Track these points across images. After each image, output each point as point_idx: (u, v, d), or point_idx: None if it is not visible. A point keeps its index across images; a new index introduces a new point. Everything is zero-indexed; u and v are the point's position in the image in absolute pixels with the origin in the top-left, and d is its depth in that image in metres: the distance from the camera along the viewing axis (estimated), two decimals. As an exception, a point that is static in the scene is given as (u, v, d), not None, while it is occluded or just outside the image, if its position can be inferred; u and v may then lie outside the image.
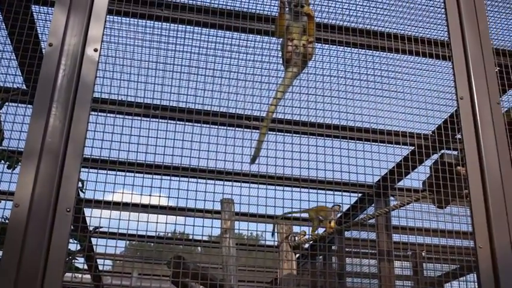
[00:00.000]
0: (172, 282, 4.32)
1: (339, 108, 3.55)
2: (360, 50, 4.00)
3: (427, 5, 3.92)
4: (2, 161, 3.97)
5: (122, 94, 3.50)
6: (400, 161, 4.09)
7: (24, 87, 4.05)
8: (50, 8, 3.92)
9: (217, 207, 4.74)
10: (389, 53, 3.93)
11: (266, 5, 4.14)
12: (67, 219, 1.78)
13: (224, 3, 3.93)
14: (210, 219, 4.67)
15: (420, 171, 3.89)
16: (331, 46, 3.89)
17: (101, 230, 4.39)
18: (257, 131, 4.03)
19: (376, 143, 3.61)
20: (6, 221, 3.77)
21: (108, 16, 2.55)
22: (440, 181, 3.38)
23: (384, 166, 4.06)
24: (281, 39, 4.06)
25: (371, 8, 3.90)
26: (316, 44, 4.03)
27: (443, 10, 3.44)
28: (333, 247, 6.32)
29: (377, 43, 3.92)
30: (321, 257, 6.58)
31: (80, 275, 4.65)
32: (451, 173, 3.46)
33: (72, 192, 1.81)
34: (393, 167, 4.28)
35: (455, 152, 4.02)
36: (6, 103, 3.94)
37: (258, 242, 4.81)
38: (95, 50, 2.19)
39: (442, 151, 3.98)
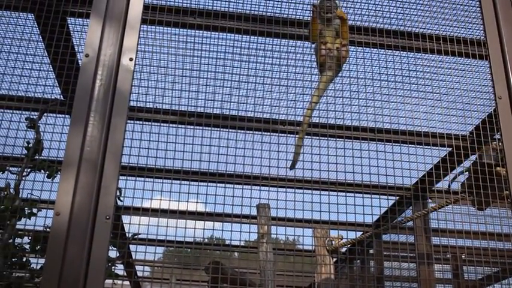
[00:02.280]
0: (210, 288, 4.35)
1: (375, 110, 3.52)
2: (395, 51, 3.96)
3: (462, 4, 3.87)
4: (42, 171, 4.05)
5: (158, 102, 3.54)
6: (438, 162, 4.04)
7: (62, 98, 4.13)
8: (85, 20, 4.00)
9: (254, 212, 4.76)
10: (424, 54, 3.88)
11: (298, 9, 4.13)
12: (106, 226, 1.80)
13: (256, 9, 3.94)
14: (247, 225, 4.68)
15: (458, 173, 3.82)
16: (365, 48, 3.87)
17: (139, 236, 4.44)
18: (292, 135, 4.02)
19: (413, 145, 3.57)
20: (48, 230, 3.85)
21: (142, 26, 2.58)
22: (479, 182, 3.32)
23: (421, 168, 4.02)
24: (315, 43, 4.04)
25: (405, 9, 3.86)
26: (350, 46, 4.01)
27: (478, 9, 3.39)
28: (371, 251, 6.26)
29: (412, 44, 3.88)
30: (358, 261, 6.53)
31: (119, 282, 4.71)
32: (491, 174, 3.39)
33: (111, 200, 1.84)
34: (431, 169, 4.23)
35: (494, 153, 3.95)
36: (45, 114, 4.02)
37: (295, 247, 4.79)
38: (130, 60, 2.22)
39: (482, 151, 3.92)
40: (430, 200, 5.03)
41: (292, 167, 3.89)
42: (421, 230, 5.26)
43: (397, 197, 5.25)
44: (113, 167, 1.89)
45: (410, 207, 5.33)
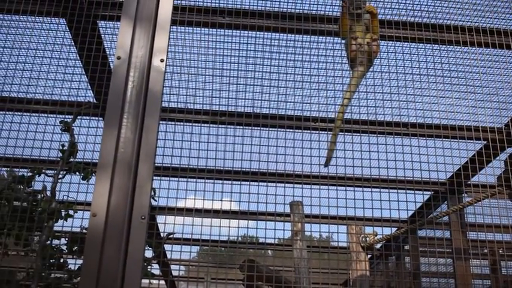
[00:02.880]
0: (245, 286, 4.36)
1: (408, 105, 3.48)
2: (427, 44, 3.91)
3: (494, -5, 3.80)
4: (78, 173, 4.11)
5: (189, 102, 3.56)
6: (473, 155, 3.98)
7: (95, 101, 4.18)
8: (116, 23, 4.04)
9: (287, 210, 4.75)
10: (457, 46, 3.82)
11: (327, 5, 4.11)
12: (142, 226, 1.82)
13: (285, 6, 3.93)
14: (281, 222, 4.68)
15: (494, 166, 3.76)
16: (396, 42, 3.83)
17: (174, 236, 4.48)
18: (324, 132, 4.00)
19: (448, 139, 3.52)
20: (85, 231, 3.90)
21: (172, 26, 2.60)
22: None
23: (456, 162, 3.96)
24: (345, 39, 4.01)
25: (436, 1, 3.81)
26: (381, 41, 3.97)
27: (512, -1, 3.32)
28: (406, 247, 6.20)
29: (444, 37, 3.82)
30: (393, 257, 6.47)
31: (156, 281, 4.77)
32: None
33: (146, 200, 1.85)
34: (466, 163, 4.16)
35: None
36: (79, 117, 4.08)
37: (329, 244, 4.77)
38: (161, 61, 2.24)
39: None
40: (465, 195, 4.96)
41: (327, 164, 3.86)
42: (457, 224, 5.18)
43: (432, 192, 5.18)
44: (146, 168, 1.90)
45: (446, 202, 5.26)
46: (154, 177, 2.13)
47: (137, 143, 1.95)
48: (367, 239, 4.51)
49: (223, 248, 6.24)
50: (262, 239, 3.90)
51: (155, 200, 4.08)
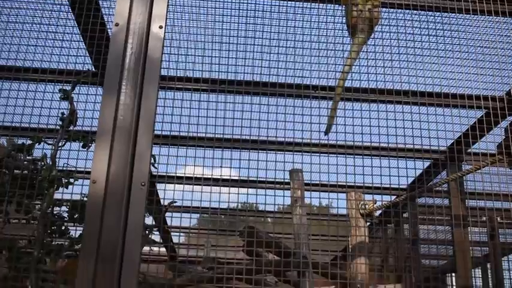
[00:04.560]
0: (245, 252, 4.39)
1: (409, 72, 3.46)
2: (428, 12, 3.87)
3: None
4: (77, 141, 4.11)
5: (189, 69, 3.54)
6: (474, 123, 3.97)
7: (94, 70, 4.16)
8: (114, -11, 3.99)
9: (287, 177, 4.76)
10: (459, 14, 3.78)
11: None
12: (142, 193, 1.82)
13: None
14: (281, 190, 4.70)
15: (495, 134, 3.75)
16: (397, 9, 3.78)
17: (174, 204, 4.50)
18: (325, 100, 3.98)
19: (449, 107, 3.51)
20: (85, 198, 3.91)
21: (171, -8, 2.56)
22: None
23: (457, 130, 3.95)
24: (345, 5, 3.96)
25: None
26: (382, 8, 3.92)
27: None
28: (405, 214, 6.23)
29: (446, 4, 3.77)
30: (392, 224, 6.51)
31: (156, 248, 4.81)
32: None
33: (146, 167, 1.85)
34: (466, 130, 4.16)
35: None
36: (78, 85, 4.06)
37: (329, 211, 4.79)
38: (160, 27, 2.21)
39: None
40: (465, 163, 4.96)
41: (327, 132, 3.85)
42: (456, 192, 5.19)
43: (432, 160, 5.19)
44: (146, 134, 1.90)
45: (445, 170, 5.26)
46: (154, 145, 2.13)
47: (136, 109, 1.94)
48: (367, 206, 4.52)
49: (223, 216, 6.27)
50: (262, 206, 3.92)
51: (155, 168, 4.08)
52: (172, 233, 6.06)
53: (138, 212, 1.81)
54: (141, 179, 1.83)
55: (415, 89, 3.96)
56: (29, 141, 4.11)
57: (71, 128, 4.09)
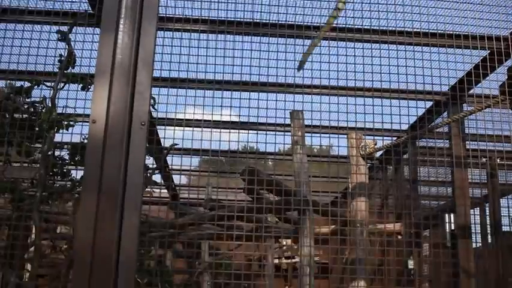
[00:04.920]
0: (247, 193, 4.42)
1: (412, 9, 3.39)
2: None
3: None
4: (76, 83, 4.07)
5: (187, 7, 3.47)
6: (478, 63, 3.92)
7: (90, 10, 4.09)
8: None
9: (288, 120, 4.74)
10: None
11: None
12: (142, 132, 1.80)
13: None
14: (281, 132, 4.69)
15: (498, 73, 3.71)
16: None
17: (175, 147, 4.50)
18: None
19: (452, 47, 3.47)
20: (86, 141, 3.91)
21: None
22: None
23: (460, 68, 3.90)
24: None
25: None
26: None
27: None
28: (405, 156, 6.25)
29: None
30: (392, 166, 6.53)
31: (158, 190, 4.84)
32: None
33: (146, 107, 1.82)
34: (469, 71, 4.11)
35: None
36: (75, 26, 3.99)
37: (329, 153, 4.80)
38: (157, -37, 2.14)
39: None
40: (467, 104, 4.93)
41: (300, 68, 3.80)
42: (457, 134, 5.18)
43: (433, 102, 5.16)
44: (145, 73, 1.86)
45: (447, 112, 5.24)
46: (154, 87, 2.09)
47: (135, 48, 1.90)
48: (367, 147, 4.52)
49: (223, 158, 6.30)
50: (263, 148, 3.92)
51: (155, 109, 4.07)
52: (173, 175, 6.10)
53: (139, 152, 1.79)
54: (141, 119, 1.81)
55: (419, 30, 3.90)
56: (28, 84, 4.08)
57: (70, 69, 4.05)
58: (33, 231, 4.12)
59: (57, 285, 4.16)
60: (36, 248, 3.84)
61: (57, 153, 4.12)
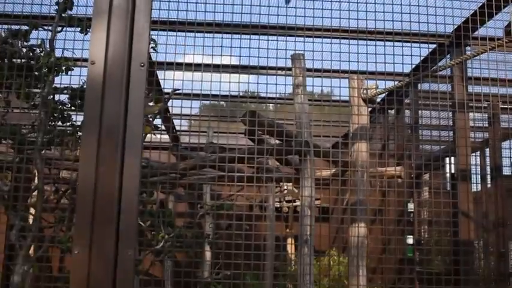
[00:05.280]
0: (248, 137, 4.42)
1: None
2: None
3: None
4: (74, 26, 4.02)
5: None
6: (482, 6, 3.85)
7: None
8: None
9: (289, 64, 4.69)
10: None
11: None
12: (142, 74, 1.78)
13: None
14: (282, 76, 4.65)
15: (504, 11, 3.65)
16: None
17: (175, 91, 4.48)
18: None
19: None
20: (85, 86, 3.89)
21: None
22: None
23: (463, 11, 3.84)
24: None
25: None
26: None
27: None
28: (407, 100, 6.22)
29: None
30: (393, 110, 6.52)
31: (158, 135, 4.84)
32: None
33: (145, 48, 1.80)
34: (474, 12, 4.05)
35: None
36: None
37: (331, 97, 4.77)
38: None
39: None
40: (469, 47, 4.87)
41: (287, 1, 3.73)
42: (459, 77, 5.14)
43: (436, 45, 5.10)
44: (144, 14, 1.83)
45: (449, 55, 5.18)
46: (153, 31, 2.06)
47: (133, -13, 1.86)
48: (369, 91, 4.50)
49: (224, 103, 6.27)
50: (264, 93, 3.89)
51: (155, 51, 4.03)
52: (174, 120, 6.09)
53: (138, 92, 1.78)
54: (140, 60, 1.79)
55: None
56: (26, 28, 4.03)
57: (67, 12, 3.99)
58: (36, 175, 4.16)
59: (60, 228, 4.22)
60: (39, 192, 3.88)
61: (57, 97, 4.11)
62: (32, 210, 4.13)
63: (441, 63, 5.13)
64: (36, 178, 4.11)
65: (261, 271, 6.23)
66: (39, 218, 3.88)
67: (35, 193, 4.06)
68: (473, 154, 5.50)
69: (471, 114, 5.64)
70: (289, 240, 8.19)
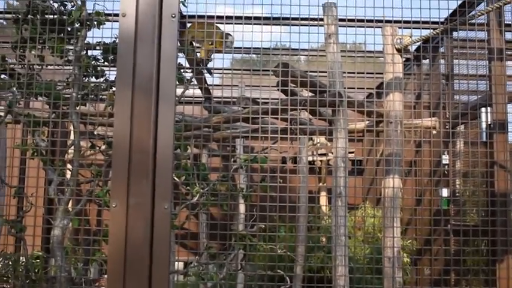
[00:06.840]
0: (280, 91, 4.39)
1: None
2: None
3: None
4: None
5: None
6: None
7: None
8: None
9: (320, 13, 4.61)
10: None
11: None
12: (173, 25, 1.77)
13: None
14: (314, 27, 4.58)
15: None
16: None
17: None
18: None
19: None
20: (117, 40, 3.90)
21: None
22: None
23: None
24: None
25: None
26: None
27: None
28: (441, 49, 6.08)
29: None
30: (428, 59, 6.39)
31: (191, 90, 4.85)
32: None
33: (175, -1, 1.78)
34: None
35: None
36: None
37: (364, 47, 4.69)
38: None
39: None
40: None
41: None
42: (495, 24, 4.98)
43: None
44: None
45: (485, 1, 5.02)
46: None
47: None
48: (402, 41, 4.40)
49: (256, 56, 6.23)
50: (295, 44, 3.84)
51: (185, 6, 4.00)
52: (206, 75, 6.08)
53: (171, 43, 1.77)
54: (172, 11, 1.78)
55: None
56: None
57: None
58: (72, 132, 4.22)
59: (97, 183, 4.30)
60: (76, 148, 3.94)
61: (90, 53, 4.13)
62: (69, 166, 4.21)
63: (477, 9, 4.97)
64: (72, 133, 4.17)
65: (295, 223, 6.29)
66: (76, 173, 3.96)
67: (71, 149, 4.13)
68: (511, 103, 5.35)
69: (508, 62, 5.49)
70: (322, 193, 8.21)
